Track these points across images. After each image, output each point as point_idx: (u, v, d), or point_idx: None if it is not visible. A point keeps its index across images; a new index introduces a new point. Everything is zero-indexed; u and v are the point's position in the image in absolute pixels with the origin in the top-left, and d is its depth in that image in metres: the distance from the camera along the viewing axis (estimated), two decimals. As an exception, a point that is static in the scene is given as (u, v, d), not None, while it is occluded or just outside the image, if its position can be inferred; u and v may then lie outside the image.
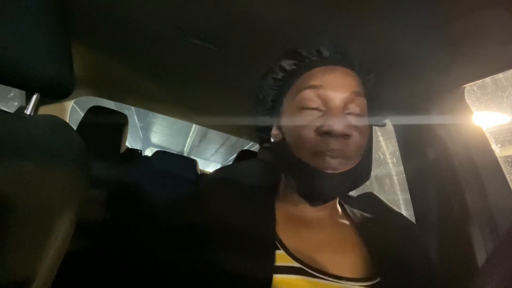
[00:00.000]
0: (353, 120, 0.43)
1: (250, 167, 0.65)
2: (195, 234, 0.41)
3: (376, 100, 0.49)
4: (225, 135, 4.00)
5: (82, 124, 1.18)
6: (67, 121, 1.01)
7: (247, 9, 0.58)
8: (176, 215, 0.45)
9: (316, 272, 0.39)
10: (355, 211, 0.53)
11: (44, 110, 1.14)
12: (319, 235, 0.45)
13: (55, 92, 0.45)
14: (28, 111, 0.46)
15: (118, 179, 1.19)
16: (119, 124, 1.25)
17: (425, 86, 0.65)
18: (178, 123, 4.74)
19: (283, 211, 0.47)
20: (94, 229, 1.03)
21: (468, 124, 0.62)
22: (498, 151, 0.60)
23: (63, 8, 0.46)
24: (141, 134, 6.39)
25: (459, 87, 0.61)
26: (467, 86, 0.61)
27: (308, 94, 0.44)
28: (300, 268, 0.39)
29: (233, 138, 4.74)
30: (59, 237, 0.40)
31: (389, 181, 2.43)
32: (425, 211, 0.69)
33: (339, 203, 0.52)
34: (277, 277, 0.37)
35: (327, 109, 0.43)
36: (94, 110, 1.22)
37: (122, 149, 1.28)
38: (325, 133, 0.41)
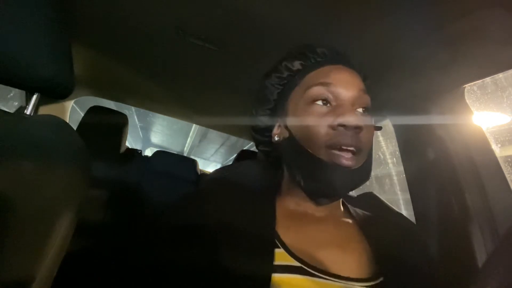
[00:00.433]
0: (361, 115, 0.44)
1: (250, 167, 0.65)
2: (195, 234, 0.41)
3: (375, 102, 0.50)
4: (225, 135, 4.00)
5: (82, 124, 1.18)
6: (67, 121, 1.01)
7: (247, 9, 0.58)
8: (176, 215, 0.45)
9: (317, 271, 0.38)
10: (357, 210, 0.53)
11: (44, 110, 1.14)
12: (321, 233, 0.44)
13: (55, 92, 0.45)
14: (28, 111, 0.46)
15: (118, 179, 1.19)
16: (119, 124, 1.25)
17: (425, 86, 0.65)
18: (178, 123, 4.74)
19: (284, 209, 0.47)
20: (94, 229, 1.03)
21: (468, 124, 0.62)
22: (498, 151, 0.60)
23: (63, 8, 0.46)
24: (141, 134, 6.39)
25: (459, 87, 0.61)
26: (467, 86, 0.61)
27: (319, 90, 0.44)
28: (300, 267, 0.38)
29: (233, 138, 4.75)
30: (59, 237, 0.40)
31: (389, 181, 2.43)
32: (425, 211, 0.69)
33: (342, 202, 0.52)
34: (276, 276, 0.37)
35: (337, 105, 0.44)
36: (94, 110, 1.22)
37: (122, 149, 1.28)
38: (338, 126, 0.41)
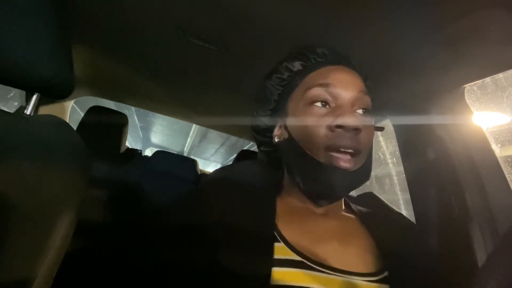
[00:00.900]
0: (361, 116, 0.44)
1: (251, 167, 0.65)
2: (195, 233, 0.41)
3: (375, 102, 0.49)
4: (225, 135, 4.00)
5: (82, 124, 1.18)
6: (67, 121, 1.01)
7: (247, 9, 0.58)
8: (176, 215, 0.45)
9: (318, 265, 0.38)
10: (359, 207, 0.53)
11: (44, 110, 1.14)
12: (323, 228, 0.44)
13: (55, 92, 0.45)
14: (28, 111, 0.46)
15: (118, 179, 1.19)
16: (119, 124, 1.25)
17: (425, 86, 0.65)
18: (178, 123, 4.74)
19: (284, 204, 0.47)
20: (94, 229, 1.03)
21: (468, 124, 0.62)
22: (498, 151, 0.60)
23: (63, 8, 0.46)
24: (141, 134, 6.39)
25: (459, 87, 0.61)
26: (467, 86, 0.61)
27: (318, 91, 0.44)
28: (301, 261, 0.38)
29: (233, 138, 4.74)
30: (59, 237, 0.40)
31: (389, 181, 2.43)
32: (425, 211, 0.69)
33: (343, 200, 0.52)
34: (276, 270, 0.37)
35: (336, 106, 0.44)
36: (94, 110, 1.22)
37: (122, 149, 1.28)
38: (337, 128, 0.41)
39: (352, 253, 0.42)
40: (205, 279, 0.37)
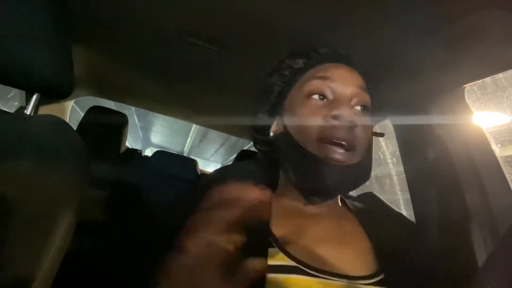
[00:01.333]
0: (359, 113, 0.44)
1: (250, 166, 0.65)
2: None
3: (374, 103, 0.49)
4: (225, 135, 4.00)
5: (82, 124, 1.18)
6: (67, 121, 1.01)
7: (247, 9, 0.58)
8: (176, 215, 0.45)
9: (314, 270, 0.37)
10: (356, 204, 0.52)
11: (44, 110, 1.14)
12: (318, 230, 0.43)
13: (55, 92, 0.45)
14: (28, 111, 0.46)
15: (118, 179, 1.19)
16: (119, 124, 1.25)
17: (425, 86, 0.65)
18: (178, 123, 4.74)
19: (280, 206, 0.46)
20: (94, 229, 1.03)
21: (468, 124, 0.62)
22: (498, 151, 0.60)
23: (63, 8, 0.46)
24: (141, 134, 6.39)
25: (459, 87, 0.61)
26: (467, 86, 0.61)
27: (316, 84, 0.44)
28: (296, 266, 0.37)
29: (233, 138, 4.74)
30: (59, 237, 0.40)
31: (389, 181, 2.43)
32: (425, 211, 0.69)
33: (340, 198, 0.51)
34: (271, 277, 0.36)
35: (334, 99, 0.43)
36: (94, 110, 1.22)
37: (122, 149, 1.28)
38: (332, 119, 0.41)
39: (348, 255, 0.41)
40: None
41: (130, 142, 6.59)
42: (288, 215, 0.45)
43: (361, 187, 0.47)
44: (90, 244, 0.97)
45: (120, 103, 1.50)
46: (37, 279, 0.37)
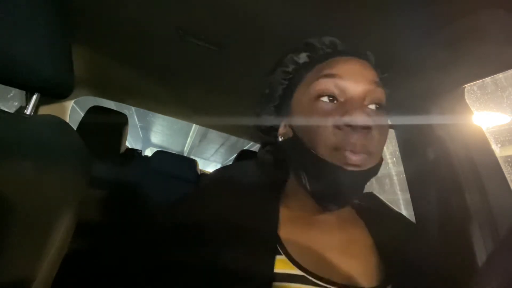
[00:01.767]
0: (373, 112, 0.39)
1: (251, 167, 0.65)
2: (194, 234, 0.40)
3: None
4: (225, 135, 4.00)
5: (82, 124, 1.18)
6: (67, 121, 1.01)
7: (247, 9, 0.58)
8: (176, 215, 0.45)
9: (321, 280, 0.36)
10: (363, 205, 0.50)
11: (44, 110, 1.14)
12: (327, 239, 0.42)
13: (55, 92, 0.45)
14: (28, 111, 0.46)
15: (118, 179, 1.19)
16: (119, 124, 1.25)
17: (425, 86, 0.65)
18: (178, 123, 4.74)
19: (288, 212, 0.44)
20: (94, 229, 1.03)
21: (468, 124, 0.62)
22: (498, 151, 0.60)
23: (63, 8, 0.46)
24: (141, 134, 6.39)
25: (459, 87, 0.61)
26: (467, 86, 0.61)
27: (325, 83, 0.39)
28: (302, 276, 0.36)
29: (233, 138, 4.74)
30: (59, 237, 0.40)
31: (389, 181, 2.43)
32: (425, 211, 0.69)
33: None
34: (277, 285, 0.35)
35: (345, 100, 0.39)
36: (94, 110, 1.22)
37: (122, 149, 1.28)
38: (344, 126, 0.36)
39: (356, 265, 0.39)
40: (205, 280, 0.36)
41: (130, 142, 6.60)
42: (297, 222, 0.43)
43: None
44: (90, 244, 0.97)
45: (120, 103, 1.50)
46: (37, 279, 0.37)
